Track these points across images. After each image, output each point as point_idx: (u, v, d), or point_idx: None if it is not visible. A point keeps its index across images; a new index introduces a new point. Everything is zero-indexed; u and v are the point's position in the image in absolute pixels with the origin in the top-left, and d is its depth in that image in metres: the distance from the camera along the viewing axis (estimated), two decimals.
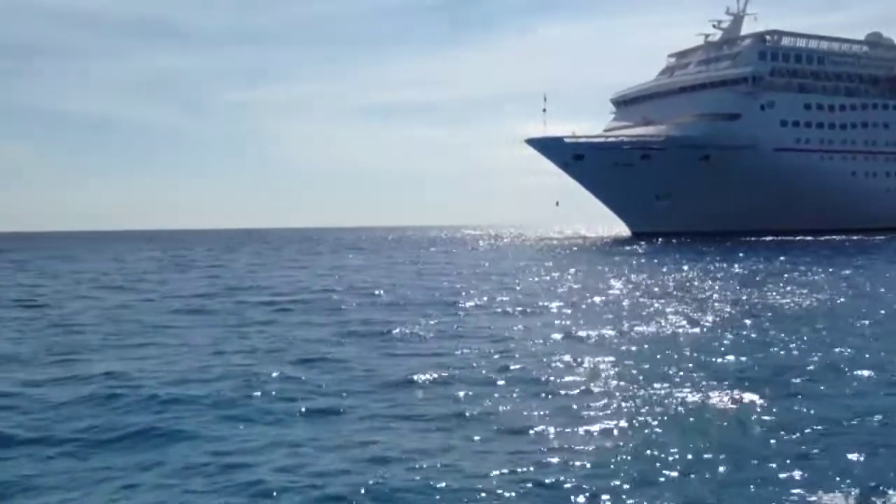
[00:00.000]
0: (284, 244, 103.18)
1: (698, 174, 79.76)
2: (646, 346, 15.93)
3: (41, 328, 20.61)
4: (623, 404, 11.03)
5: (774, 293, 25.73)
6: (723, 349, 15.36)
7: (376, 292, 28.50)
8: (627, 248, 65.04)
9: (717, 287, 28.51)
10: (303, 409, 11.08)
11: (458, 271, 41.10)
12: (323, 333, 18.41)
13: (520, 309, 22.76)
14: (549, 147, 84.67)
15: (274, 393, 12.09)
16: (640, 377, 12.74)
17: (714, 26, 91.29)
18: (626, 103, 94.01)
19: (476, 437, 9.62)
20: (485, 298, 25.51)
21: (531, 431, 9.81)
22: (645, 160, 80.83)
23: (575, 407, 10.95)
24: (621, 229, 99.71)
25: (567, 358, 14.54)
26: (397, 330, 18.59)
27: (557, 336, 17.48)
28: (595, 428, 9.91)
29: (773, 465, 8.38)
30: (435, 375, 13.14)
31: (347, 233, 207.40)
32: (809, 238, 72.77)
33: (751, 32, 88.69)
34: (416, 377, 12.98)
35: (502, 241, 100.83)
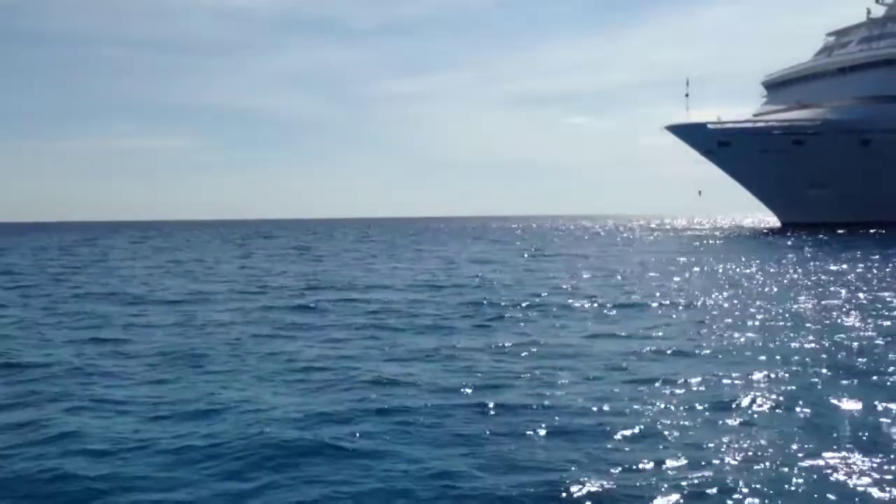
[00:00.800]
0: (420, 233, 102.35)
1: (858, 160, 73.60)
2: (800, 366, 12.67)
3: (103, 324, 19.46)
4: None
5: None
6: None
7: (467, 288, 26.20)
8: (777, 239, 59.98)
9: (881, 286, 24.39)
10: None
11: (582, 264, 38.03)
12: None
13: (641, 311, 19.95)
14: (692, 134, 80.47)
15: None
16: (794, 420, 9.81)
17: (877, 2, 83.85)
18: (778, 86, 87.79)
19: None
20: (591, 297, 22.58)
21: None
22: (798, 146, 75.35)
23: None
24: (770, 220, 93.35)
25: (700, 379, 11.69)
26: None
27: (687, 348, 14.46)
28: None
29: None
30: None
31: (486, 221, 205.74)
32: None
33: None
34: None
35: (639, 232, 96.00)
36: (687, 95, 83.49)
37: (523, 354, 14.08)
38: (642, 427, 9.27)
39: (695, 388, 11.18)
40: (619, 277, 29.99)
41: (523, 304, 21.27)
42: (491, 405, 10.35)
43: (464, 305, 21.38)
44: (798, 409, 9.98)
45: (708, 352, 13.97)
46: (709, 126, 79.36)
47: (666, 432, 9.09)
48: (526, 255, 47.16)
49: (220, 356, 14.51)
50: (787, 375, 11.89)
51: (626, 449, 8.55)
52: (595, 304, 21.07)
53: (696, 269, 33.52)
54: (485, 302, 22.03)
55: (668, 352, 14.02)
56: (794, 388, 11.12)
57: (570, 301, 21.88)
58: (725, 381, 11.58)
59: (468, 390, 11.25)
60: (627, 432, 9.10)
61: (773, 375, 11.85)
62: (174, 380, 12.48)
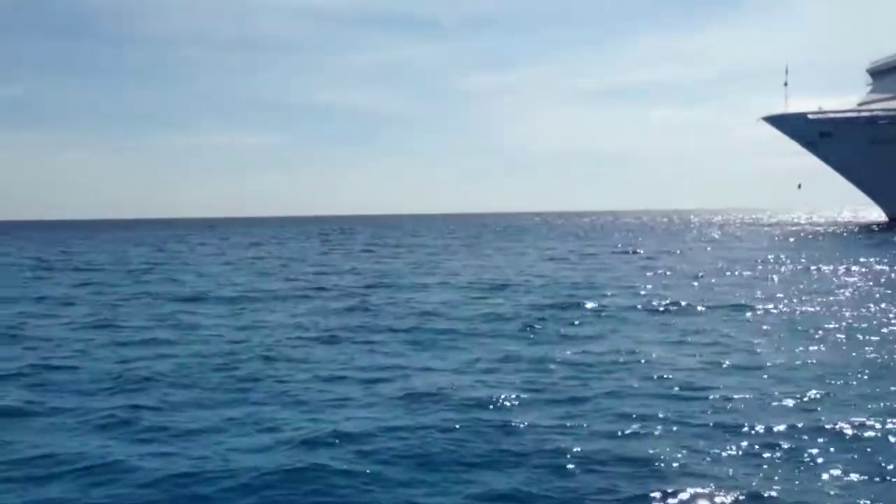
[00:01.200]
0: (504, 229, 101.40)
1: None
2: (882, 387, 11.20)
3: (152, 325, 19.20)
4: None
5: None
6: None
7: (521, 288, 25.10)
8: (882, 235, 56.75)
9: None
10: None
11: (663, 262, 36.34)
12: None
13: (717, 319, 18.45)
14: (791, 124, 77.36)
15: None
16: None
17: None
18: (884, 73, 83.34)
19: None
20: (659, 298, 21.21)
21: None
22: None
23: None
24: (876, 214, 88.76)
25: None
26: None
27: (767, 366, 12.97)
28: None
29: None
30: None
31: (574, 217, 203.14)
32: None
33: None
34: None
35: (733, 227, 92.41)
36: (786, 84, 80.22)
37: (563, 363, 13.06)
38: (667, 457, 8.17)
39: (742, 409, 9.94)
40: (698, 276, 28.35)
41: (586, 306, 20.11)
42: (508, 424, 9.42)
43: (521, 307, 20.34)
44: (874, 445, 8.66)
45: (770, 366, 12.55)
46: (809, 116, 76.09)
47: (696, 465, 7.98)
48: (607, 252, 45.65)
49: (251, 361, 13.94)
50: (860, 399, 10.46)
51: (641, 482, 7.48)
52: (661, 307, 19.77)
53: (786, 268, 31.54)
54: (544, 303, 20.96)
55: (725, 364, 12.71)
56: (870, 412, 9.76)
57: (635, 302, 20.63)
58: (783, 403, 10.26)
59: (491, 406, 10.32)
60: (649, 458, 8.06)
61: (841, 397, 10.48)
62: (189, 386, 11.93)
